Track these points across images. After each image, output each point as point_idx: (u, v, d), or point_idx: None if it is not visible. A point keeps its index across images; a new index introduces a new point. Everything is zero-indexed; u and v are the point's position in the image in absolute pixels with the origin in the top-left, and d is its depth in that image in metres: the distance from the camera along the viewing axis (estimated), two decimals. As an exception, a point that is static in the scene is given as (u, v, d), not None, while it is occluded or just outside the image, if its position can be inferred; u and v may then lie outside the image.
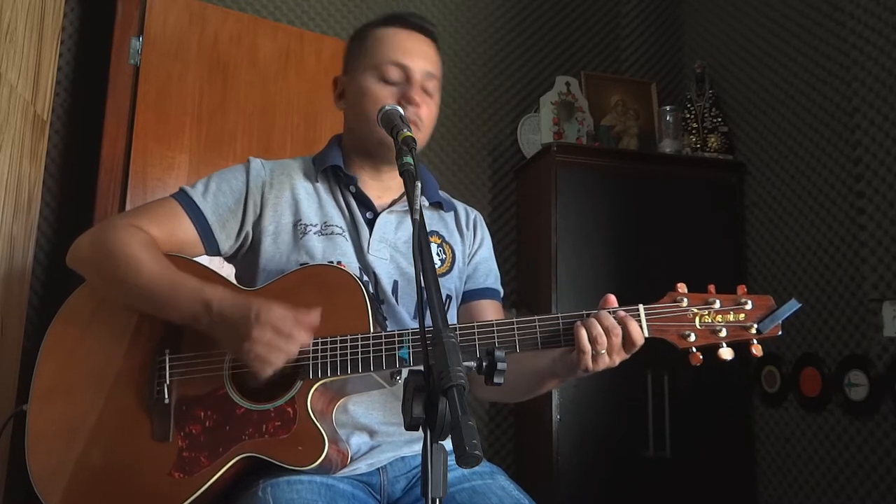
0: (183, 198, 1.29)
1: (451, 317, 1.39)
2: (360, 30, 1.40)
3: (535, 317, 1.13)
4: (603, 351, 1.09)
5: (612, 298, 1.14)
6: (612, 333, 1.09)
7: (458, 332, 1.13)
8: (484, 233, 1.48)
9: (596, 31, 3.22)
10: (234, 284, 1.27)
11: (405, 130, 1.11)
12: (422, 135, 1.32)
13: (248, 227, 1.30)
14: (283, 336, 1.07)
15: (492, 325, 1.14)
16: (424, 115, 1.32)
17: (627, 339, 1.10)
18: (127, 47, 2.34)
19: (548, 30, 3.16)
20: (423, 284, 0.84)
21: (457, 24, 3.04)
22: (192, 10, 2.42)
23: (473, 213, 1.49)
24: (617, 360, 1.11)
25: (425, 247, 0.89)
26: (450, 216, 1.45)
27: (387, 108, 1.19)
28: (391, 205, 1.36)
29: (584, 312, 1.12)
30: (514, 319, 1.14)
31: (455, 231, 1.43)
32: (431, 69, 1.33)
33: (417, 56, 1.31)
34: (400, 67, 1.30)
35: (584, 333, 1.09)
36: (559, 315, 1.13)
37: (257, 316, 1.07)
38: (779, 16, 2.73)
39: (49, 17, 2.25)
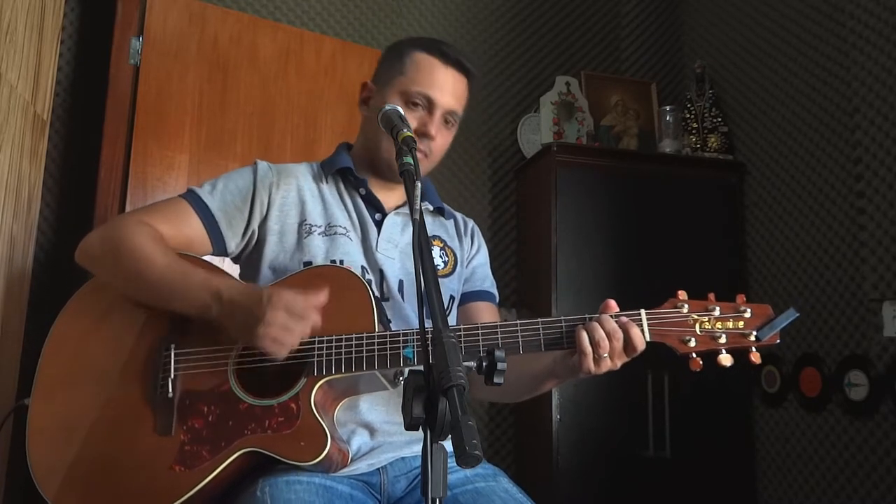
0: (191, 196, 1.31)
1: (453, 318, 1.40)
2: (401, 45, 1.39)
3: (539, 319, 1.14)
4: (605, 354, 1.11)
5: (613, 304, 1.16)
6: (613, 337, 1.10)
7: (461, 334, 1.14)
8: (480, 241, 1.52)
9: (596, 31, 3.22)
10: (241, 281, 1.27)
11: (405, 130, 1.12)
12: (428, 163, 1.36)
13: (255, 226, 1.32)
14: (296, 317, 1.09)
15: (496, 327, 1.15)
16: (436, 148, 1.35)
17: (629, 343, 1.12)
18: (127, 47, 2.34)
19: (548, 30, 3.16)
20: (422, 283, 0.84)
21: (457, 24, 3.03)
22: (192, 10, 2.42)
23: (470, 222, 1.54)
24: (618, 363, 1.13)
25: (425, 247, 0.89)
26: (450, 223, 1.49)
27: (386, 108, 1.19)
28: (398, 207, 1.39)
29: (587, 316, 1.14)
30: (518, 321, 1.15)
31: (455, 237, 1.47)
32: (456, 107, 1.36)
33: (447, 92, 1.33)
34: (426, 99, 1.32)
35: (585, 336, 1.11)
36: (562, 318, 1.14)
37: (269, 299, 1.09)
38: (779, 16, 2.72)
39: (49, 17, 2.25)
